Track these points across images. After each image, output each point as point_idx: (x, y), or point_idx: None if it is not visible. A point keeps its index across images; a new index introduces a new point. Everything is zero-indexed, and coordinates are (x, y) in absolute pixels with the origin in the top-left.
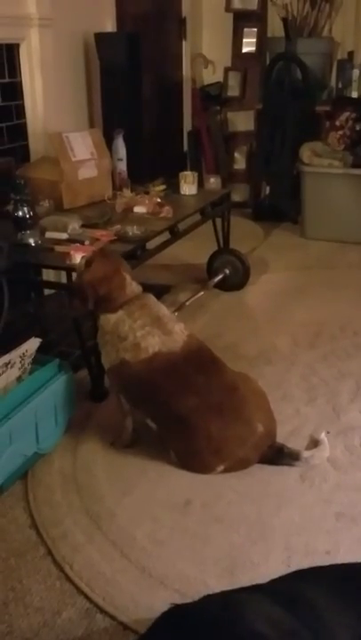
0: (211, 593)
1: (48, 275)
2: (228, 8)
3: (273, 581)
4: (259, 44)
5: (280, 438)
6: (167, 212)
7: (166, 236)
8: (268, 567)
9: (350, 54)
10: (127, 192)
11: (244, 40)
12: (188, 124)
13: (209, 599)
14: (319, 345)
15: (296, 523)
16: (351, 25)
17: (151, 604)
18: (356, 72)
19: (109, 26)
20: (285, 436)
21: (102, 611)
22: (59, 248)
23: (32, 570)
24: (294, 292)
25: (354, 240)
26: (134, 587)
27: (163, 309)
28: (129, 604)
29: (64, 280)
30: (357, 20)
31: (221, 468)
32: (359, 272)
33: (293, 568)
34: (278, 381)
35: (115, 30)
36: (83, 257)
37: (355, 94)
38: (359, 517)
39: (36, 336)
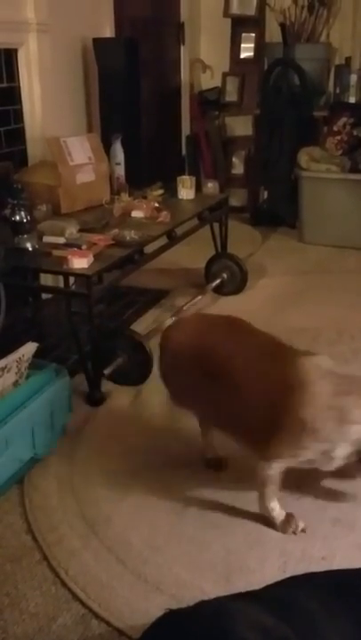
0: (205, 599)
1: (45, 279)
2: (226, 13)
3: (268, 587)
4: (257, 50)
5: None
6: (165, 216)
7: (164, 240)
8: (263, 573)
9: (348, 60)
10: (125, 196)
11: (243, 45)
12: (186, 129)
13: (203, 606)
14: (317, 350)
15: None
16: (349, 30)
17: (147, 609)
18: (353, 77)
19: (108, 31)
20: None
21: (98, 616)
22: (56, 252)
23: (27, 575)
24: (292, 297)
25: (352, 245)
26: (130, 592)
27: None
28: (124, 610)
29: (61, 284)
30: (355, 25)
31: None
32: (357, 277)
33: (289, 574)
34: None
35: (113, 35)
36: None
37: (352, 99)
38: (355, 523)
39: (33, 340)
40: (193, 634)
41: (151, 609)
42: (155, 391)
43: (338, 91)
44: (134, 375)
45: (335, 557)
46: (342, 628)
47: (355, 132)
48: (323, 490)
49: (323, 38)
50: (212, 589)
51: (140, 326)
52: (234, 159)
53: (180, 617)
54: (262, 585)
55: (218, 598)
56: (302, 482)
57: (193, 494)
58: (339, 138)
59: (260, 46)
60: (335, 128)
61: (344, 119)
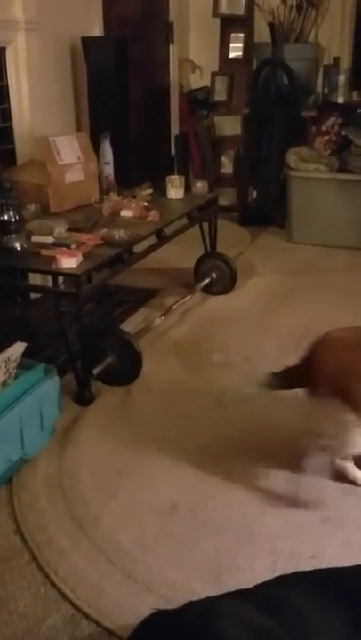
0: (195, 599)
1: (34, 279)
2: (215, 13)
3: (257, 586)
4: (246, 49)
5: (271, 444)
6: (154, 215)
7: (153, 239)
8: (253, 572)
9: (336, 60)
10: (114, 196)
11: (231, 45)
12: (175, 129)
13: (191, 606)
14: (303, 348)
15: (282, 527)
16: (337, 31)
17: (137, 609)
18: (341, 77)
19: (96, 30)
20: (273, 442)
21: (87, 617)
22: (45, 252)
23: (17, 576)
24: (281, 296)
25: (340, 244)
26: (120, 592)
27: None
28: (114, 610)
29: (50, 284)
30: (343, 25)
31: None
32: (345, 276)
33: (279, 572)
34: None
35: (102, 34)
36: None
37: (341, 100)
38: (344, 521)
39: (22, 340)
40: (181, 634)
41: (141, 608)
42: (144, 391)
43: (326, 91)
44: (124, 375)
45: (324, 556)
46: (332, 627)
47: (343, 132)
48: (312, 487)
49: (311, 38)
50: (202, 589)
51: (130, 325)
52: (223, 159)
53: (167, 617)
54: (252, 584)
55: (207, 598)
56: (291, 479)
57: (183, 494)
58: (327, 138)
59: (248, 46)
60: (324, 128)
61: (332, 119)
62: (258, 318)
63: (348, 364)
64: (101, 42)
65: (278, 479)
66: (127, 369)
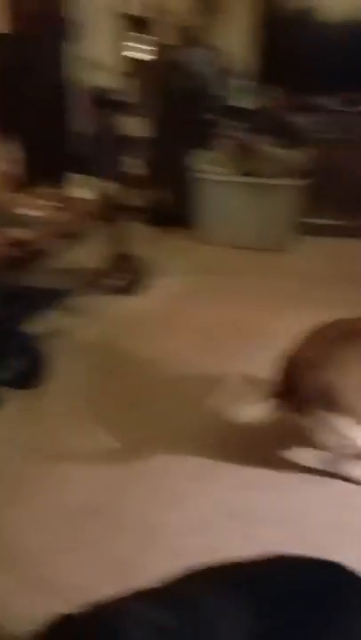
0: (102, 601)
1: None
2: (120, 13)
3: (166, 583)
4: (152, 51)
5: (182, 444)
6: (62, 216)
7: (62, 240)
8: (162, 569)
9: (240, 64)
10: (21, 195)
11: (137, 45)
12: (82, 128)
13: (96, 608)
14: (213, 348)
15: (189, 523)
16: (241, 35)
17: (45, 615)
18: (243, 82)
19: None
20: (184, 441)
21: None
22: None
23: None
24: (190, 296)
25: (247, 245)
26: (27, 599)
27: None
28: (22, 618)
29: None
30: (247, 30)
31: None
32: (252, 276)
33: (187, 569)
34: (175, 385)
35: (5, 32)
36: None
37: (244, 104)
38: (250, 515)
39: None
40: (83, 635)
41: (47, 615)
42: (53, 394)
43: (229, 94)
44: (30, 378)
45: (232, 550)
46: (234, 619)
47: (245, 136)
48: (220, 483)
49: (215, 42)
50: (112, 590)
51: (38, 327)
52: (131, 159)
53: (72, 619)
54: (161, 582)
55: (113, 599)
56: (200, 476)
57: (92, 496)
58: (231, 141)
59: (155, 48)
60: (228, 131)
61: (235, 123)
62: (168, 319)
63: (332, 378)
64: (4, 39)
65: (185, 477)
66: (34, 372)
